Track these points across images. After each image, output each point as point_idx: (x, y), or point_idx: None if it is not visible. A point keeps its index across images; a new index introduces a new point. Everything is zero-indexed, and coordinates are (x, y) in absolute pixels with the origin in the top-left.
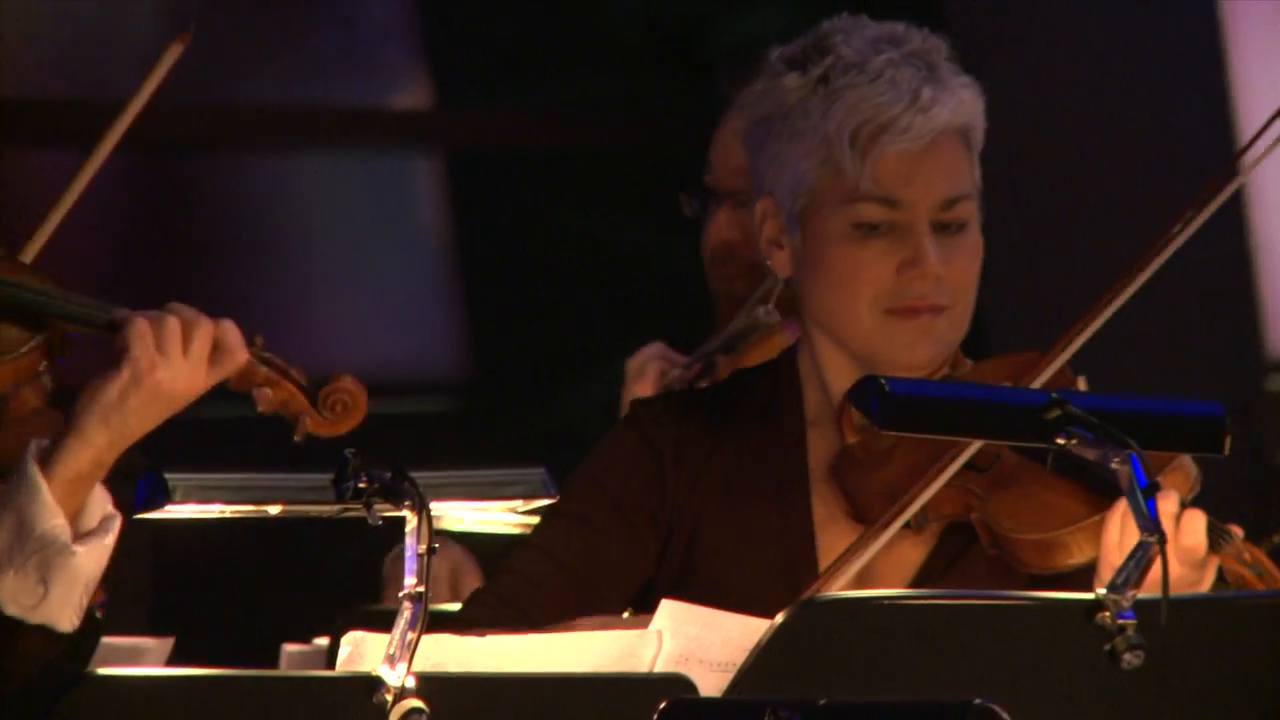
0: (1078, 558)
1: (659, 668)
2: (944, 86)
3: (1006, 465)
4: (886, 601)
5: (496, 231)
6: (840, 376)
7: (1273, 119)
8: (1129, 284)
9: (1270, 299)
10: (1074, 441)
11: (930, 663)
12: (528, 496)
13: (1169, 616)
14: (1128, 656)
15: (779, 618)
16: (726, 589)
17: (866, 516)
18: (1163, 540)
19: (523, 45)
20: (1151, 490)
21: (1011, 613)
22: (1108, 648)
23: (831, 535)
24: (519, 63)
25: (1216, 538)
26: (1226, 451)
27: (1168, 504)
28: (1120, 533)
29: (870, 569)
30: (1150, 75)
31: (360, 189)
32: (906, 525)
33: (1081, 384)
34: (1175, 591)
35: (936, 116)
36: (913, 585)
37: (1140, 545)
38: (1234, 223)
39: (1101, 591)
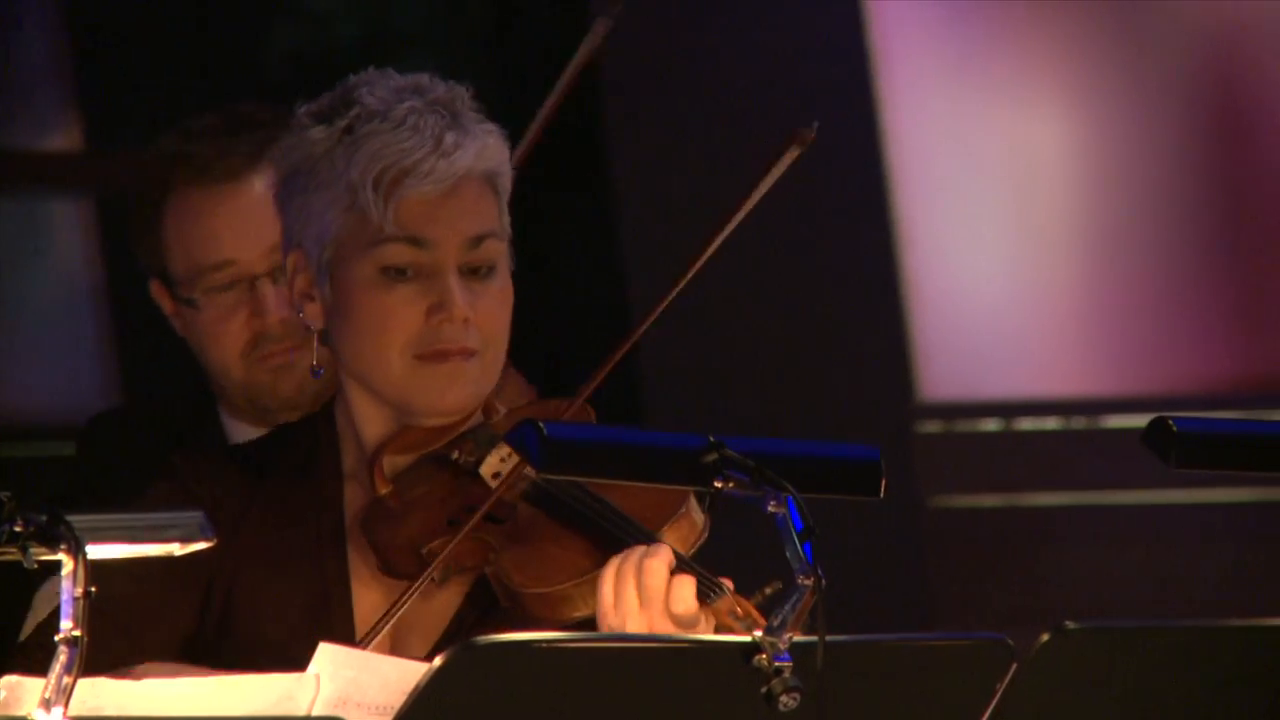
0: (583, 610)
1: (317, 711)
2: (466, 133)
3: (521, 518)
4: (545, 644)
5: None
6: (374, 425)
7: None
8: (645, 320)
9: (921, 343)
10: (731, 485)
11: (589, 705)
12: (185, 540)
13: (825, 658)
14: (784, 698)
15: (437, 660)
16: (262, 644)
17: (395, 570)
18: (819, 582)
19: (175, 86)
20: (808, 534)
21: (670, 655)
22: (764, 690)
23: (369, 589)
24: (171, 104)
25: (707, 590)
26: (882, 494)
27: (660, 565)
28: (614, 592)
29: (405, 623)
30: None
31: (7, 232)
32: (431, 579)
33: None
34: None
35: (459, 160)
36: (447, 634)
37: (796, 588)
38: (886, 267)
39: (759, 634)
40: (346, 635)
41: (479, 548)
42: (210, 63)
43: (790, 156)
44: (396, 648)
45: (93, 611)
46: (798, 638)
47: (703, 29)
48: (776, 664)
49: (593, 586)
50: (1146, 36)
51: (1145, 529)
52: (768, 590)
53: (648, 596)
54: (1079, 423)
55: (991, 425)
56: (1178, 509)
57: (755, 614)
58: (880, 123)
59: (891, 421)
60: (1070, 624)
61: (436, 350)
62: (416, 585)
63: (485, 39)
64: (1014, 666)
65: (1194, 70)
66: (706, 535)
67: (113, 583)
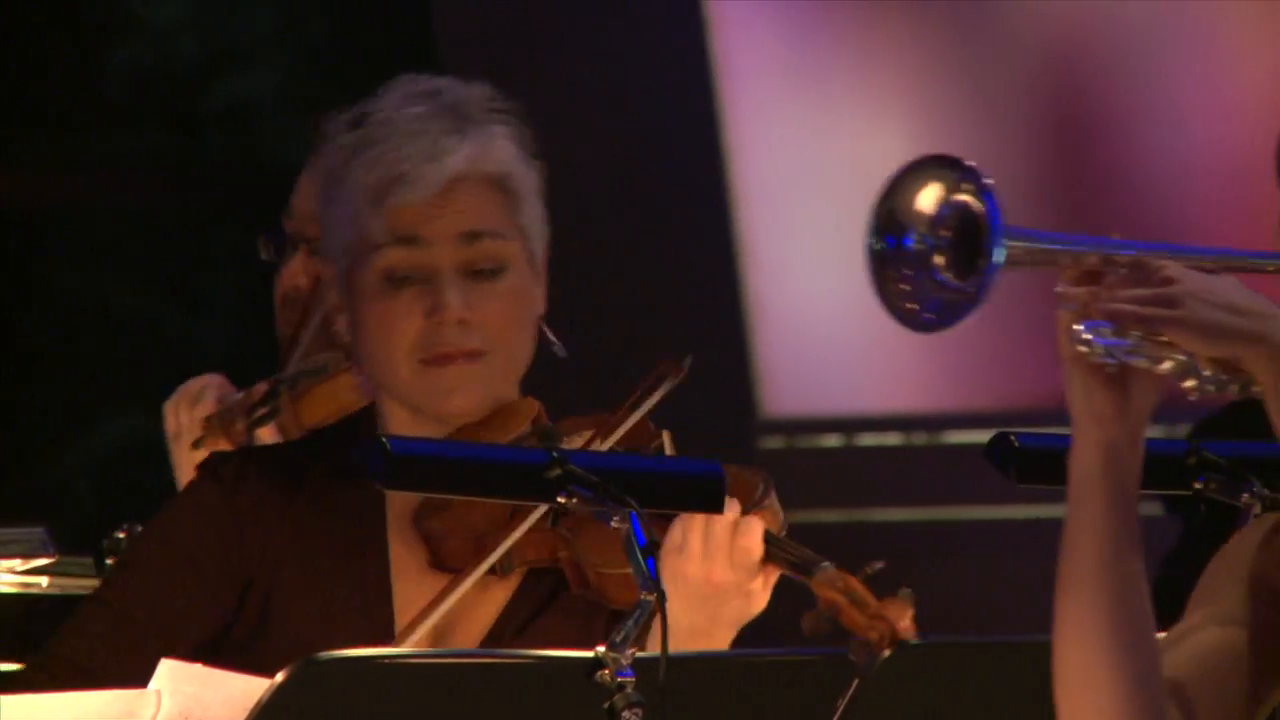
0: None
1: None
2: (466, 136)
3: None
4: (387, 660)
5: None
6: (402, 429)
7: None
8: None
9: (763, 359)
10: (575, 500)
11: None
12: (27, 555)
13: (668, 673)
14: (626, 714)
15: (279, 676)
16: (302, 641)
17: (449, 564)
18: (662, 598)
19: (10, 104)
20: (650, 549)
21: (514, 670)
22: (607, 705)
23: (412, 585)
24: (6, 122)
25: (803, 565)
26: (724, 509)
27: (729, 514)
28: (682, 533)
29: (451, 619)
30: (648, 126)
31: None
32: (491, 571)
33: (666, 439)
34: (725, 597)
35: (451, 165)
36: (493, 634)
37: (640, 604)
38: (728, 282)
39: (601, 649)
40: (385, 634)
41: (545, 537)
42: (45, 77)
43: (663, 389)
44: (439, 646)
45: (125, 623)
46: (640, 653)
47: (542, 39)
48: (619, 679)
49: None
50: (987, 49)
51: (987, 544)
52: (868, 570)
53: (713, 545)
54: (920, 438)
55: (833, 441)
56: (1019, 524)
57: (857, 584)
58: (722, 137)
59: (734, 437)
60: (912, 639)
61: (438, 354)
62: (465, 579)
63: (325, 54)
64: (855, 682)
65: (1035, 82)
66: (785, 530)
67: (141, 593)
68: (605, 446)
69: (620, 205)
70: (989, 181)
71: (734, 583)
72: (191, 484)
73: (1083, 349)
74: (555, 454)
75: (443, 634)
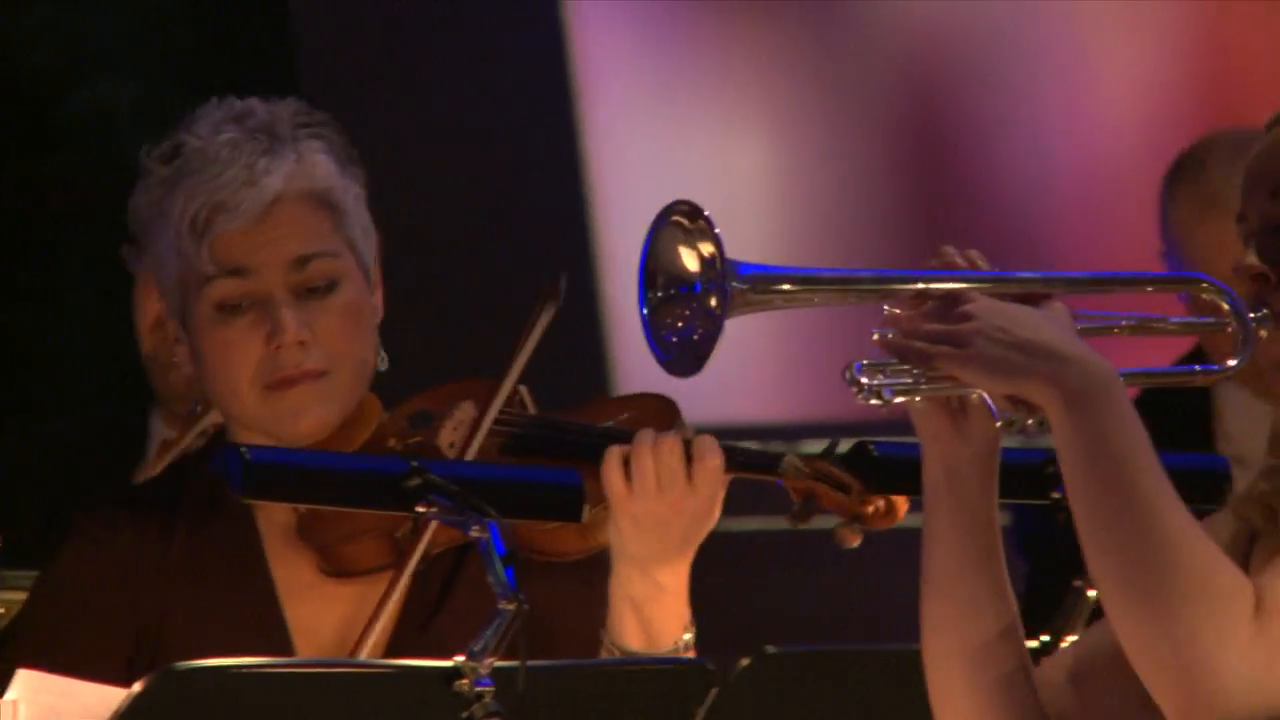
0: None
1: None
2: (280, 156)
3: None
4: (245, 670)
5: None
6: None
7: None
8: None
9: (620, 369)
10: (434, 509)
11: None
12: None
13: (527, 683)
14: None
15: (136, 686)
16: None
17: (352, 569)
18: (520, 608)
19: None
20: (510, 559)
21: (372, 679)
22: (466, 715)
23: (306, 599)
24: None
25: (763, 464)
26: (583, 519)
27: (675, 442)
28: (623, 479)
29: (347, 628)
30: (506, 128)
31: None
32: (395, 566)
33: (525, 394)
34: (688, 519)
35: (269, 187)
36: (395, 639)
37: (499, 613)
38: (586, 292)
39: (460, 659)
40: (284, 653)
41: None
42: None
43: (546, 317)
44: (353, 651)
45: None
46: (499, 663)
47: (400, 44)
48: (478, 689)
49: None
50: (847, 59)
51: (843, 553)
52: (835, 448)
53: (667, 474)
54: (777, 447)
55: None
56: (877, 533)
57: (830, 469)
58: (581, 147)
59: None
60: (770, 648)
61: (281, 378)
62: (407, 567)
63: (184, 58)
64: (714, 690)
65: (894, 92)
66: None
67: (43, 651)
68: (492, 411)
69: (478, 211)
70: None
71: (698, 502)
72: (68, 545)
73: (853, 390)
74: (415, 464)
75: (345, 643)
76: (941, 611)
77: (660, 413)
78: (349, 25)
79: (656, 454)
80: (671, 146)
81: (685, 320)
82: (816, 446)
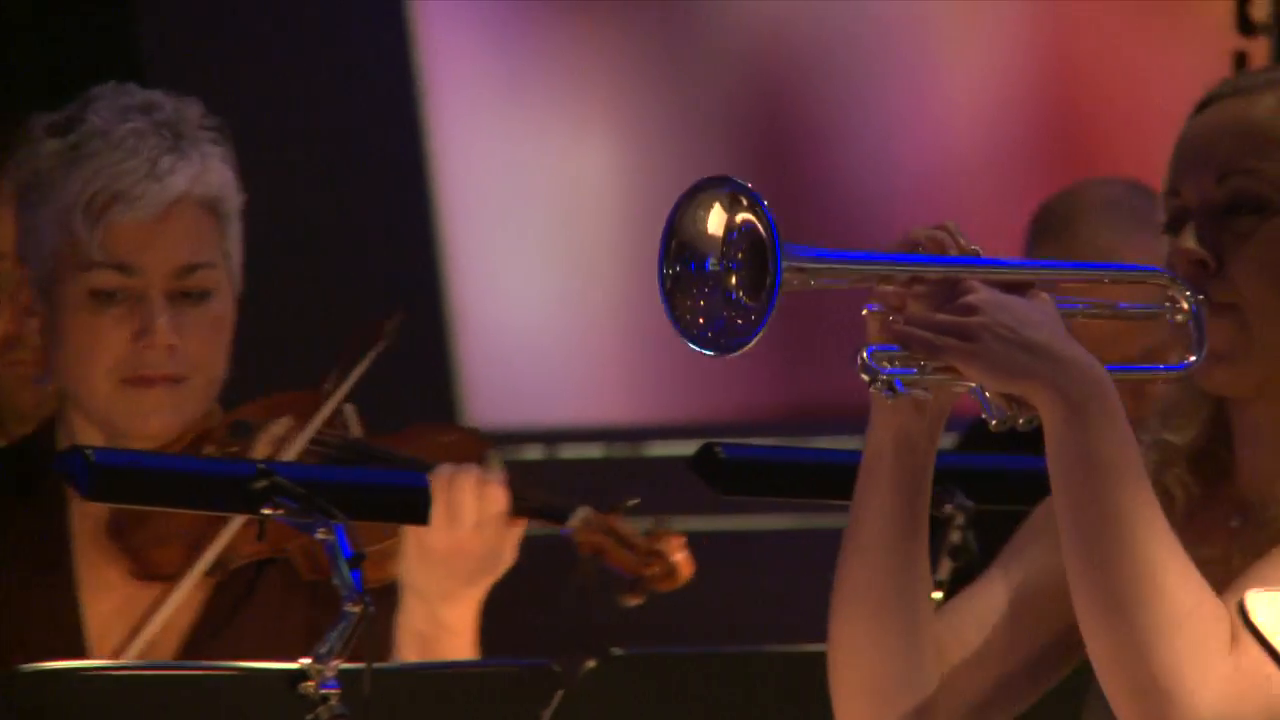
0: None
1: None
2: (184, 156)
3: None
4: (88, 672)
5: None
6: (91, 444)
7: None
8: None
9: (466, 370)
10: (281, 511)
11: None
12: None
13: (373, 685)
14: None
15: None
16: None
17: (160, 573)
18: (367, 610)
19: None
20: (357, 561)
21: (216, 681)
22: (311, 717)
23: (111, 598)
24: None
25: (557, 511)
26: (429, 521)
27: (466, 479)
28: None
29: (153, 629)
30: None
31: None
32: (210, 572)
33: (351, 413)
34: (476, 560)
35: (172, 185)
36: (193, 637)
37: (345, 615)
38: (431, 292)
39: (305, 661)
40: (75, 649)
41: (269, 529)
42: None
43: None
44: (150, 652)
45: None
46: (344, 664)
47: (247, 44)
48: (324, 691)
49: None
50: (694, 59)
51: (692, 556)
52: (629, 503)
53: (454, 514)
54: (623, 450)
55: (536, 453)
56: (722, 535)
57: (620, 525)
58: (428, 146)
59: None
60: (617, 650)
61: (140, 376)
62: (188, 580)
63: (23, 26)
64: (560, 693)
65: (739, 94)
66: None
67: None
68: (309, 430)
69: (324, 213)
70: (766, 203)
71: (483, 543)
72: None
73: (865, 377)
74: (262, 466)
75: (153, 644)
76: (866, 574)
77: (471, 447)
78: (193, 23)
79: (451, 489)
80: (519, 146)
81: (719, 299)
82: (664, 449)
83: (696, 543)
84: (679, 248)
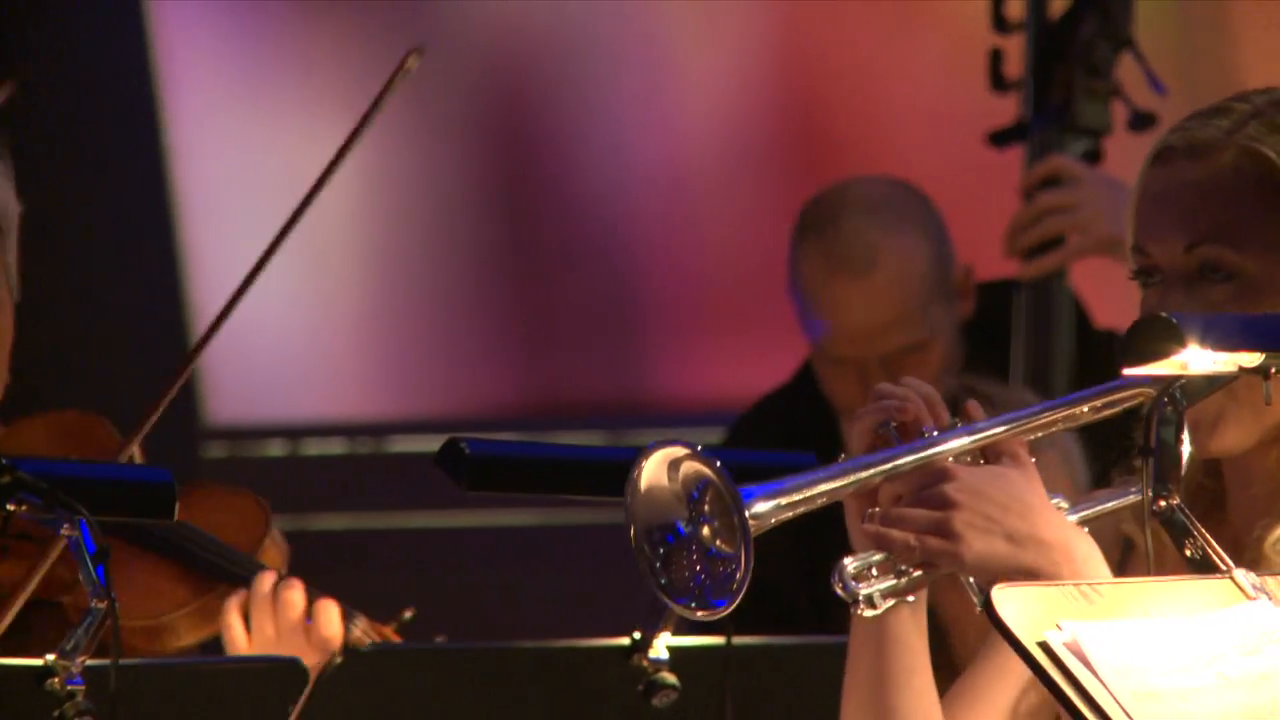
0: (187, 640)
1: None
2: None
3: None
4: None
5: None
6: None
7: None
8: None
9: (206, 366)
10: (24, 507)
11: None
12: None
13: (119, 681)
14: None
15: None
16: None
17: None
18: (112, 606)
19: None
20: (101, 556)
21: None
22: (57, 714)
23: None
24: None
25: (344, 618)
26: (175, 516)
27: (297, 597)
28: (244, 630)
29: None
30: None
31: None
32: None
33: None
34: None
35: None
36: None
37: (90, 611)
38: (170, 288)
39: (50, 657)
40: None
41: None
42: None
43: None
44: None
45: None
46: (90, 661)
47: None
48: (69, 687)
49: (196, 616)
50: (432, 60)
51: (435, 552)
52: (405, 615)
53: (287, 628)
54: (365, 445)
55: (277, 449)
56: (467, 531)
57: (391, 635)
58: (166, 141)
59: (177, 445)
60: (364, 646)
61: None
62: None
63: None
64: (308, 687)
65: (478, 93)
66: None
67: None
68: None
69: (61, 208)
70: (709, 455)
71: (319, 659)
72: None
73: (845, 597)
74: (3, 461)
75: None
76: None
77: (255, 519)
78: None
79: (277, 608)
80: (257, 142)
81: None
82: (407, 444)
83: (442, 538)
84: (647, 533)
